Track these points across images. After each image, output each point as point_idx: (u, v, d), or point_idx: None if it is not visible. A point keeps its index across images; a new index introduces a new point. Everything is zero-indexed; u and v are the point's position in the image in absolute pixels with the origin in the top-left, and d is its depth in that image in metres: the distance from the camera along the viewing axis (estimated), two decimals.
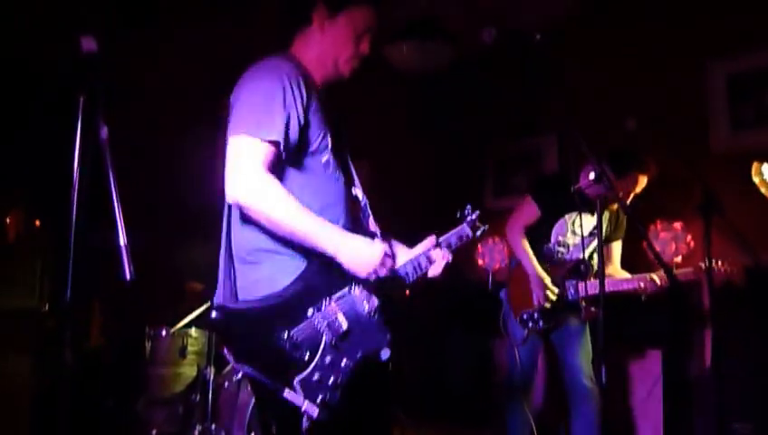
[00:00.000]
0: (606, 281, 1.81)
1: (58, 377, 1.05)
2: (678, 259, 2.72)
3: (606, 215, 2.27)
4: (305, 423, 1.06)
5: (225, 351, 1.10)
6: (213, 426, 2.14)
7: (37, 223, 2.24)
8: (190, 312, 2.40)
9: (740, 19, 2.75)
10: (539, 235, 2.27)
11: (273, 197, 1.11)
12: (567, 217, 2.25)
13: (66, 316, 1.06)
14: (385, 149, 3.97)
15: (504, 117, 3.85)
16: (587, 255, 2.22)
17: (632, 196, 2.17)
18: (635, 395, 2.70)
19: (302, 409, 1.06)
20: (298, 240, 1.13)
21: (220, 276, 1.25)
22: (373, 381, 1.22)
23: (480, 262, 3.62)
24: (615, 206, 2.26)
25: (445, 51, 3.10)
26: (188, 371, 2.44)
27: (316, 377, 1.09)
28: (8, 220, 2.14)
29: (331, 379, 1.11)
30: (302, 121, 1.18)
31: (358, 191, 1.38)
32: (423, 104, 4.24)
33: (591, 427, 2.09)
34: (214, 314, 1.10)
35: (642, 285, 2.07)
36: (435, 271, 1.34)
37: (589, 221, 2.19)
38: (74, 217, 1.01)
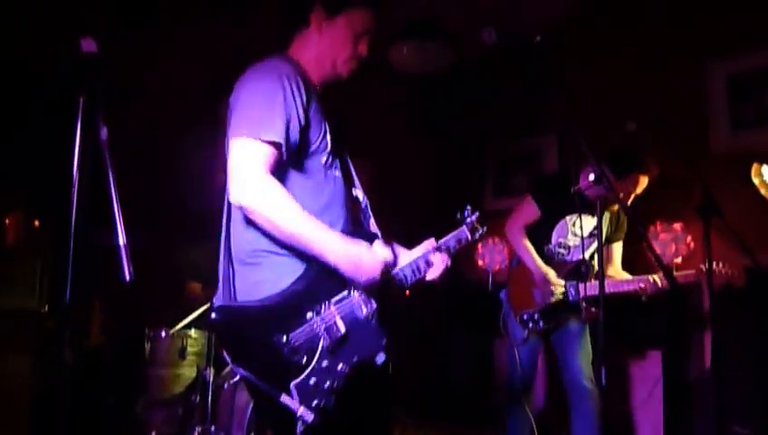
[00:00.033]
0: (606, 282, 1.82)
1: (57, 377, 1.05)
2: (678, 260, 2.72)
3: (606, 216, 2.27)
4: (300, 428, 1.06)
5: (224, 352, 1.10)
6: (212, 427, 2.14)
7: (37, 223, 2.23)
8: (190, 313, 2.39)
9: (740, 19, 2.75)
10: (539, 236, 2.27)
11: (275, 200, 1.10)
12: (567, 218, 2.25)
13: (66, 317, 1.06)
14: (385, 150, 3.97)
15: (504, 117, 3.85)
16: (587, 256, 2.22)
17: (633, 197, 2.17)
18: (635, 396, 2.70)
19: (298, 414, 1.05)
20: (298, 245, 1.13)
21: (220, 278, 1.25)
22: (369, 385, 1.21)
23: (480, 263, 3.62)
24: (615, 207, 2.25)
25: (445, 51, 3.11)
26: (188, 372, 2.44)
27: (312, 381, 1.09)
28: (8, 221, 2.14)
29: (327, 383, 1.11)
30: (302, 122, 1.18)
31: (358, 192, 1.37)
32: (423, 105, 4.24)
33: (591, 428, 2.09)
34: (213, 314, 1.10)
35: (643, 286, 2.07)
36: (433, 274, 1.34)
37: (589, 222, 2.19)
38: (74, 217, 1.01)
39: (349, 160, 1.38)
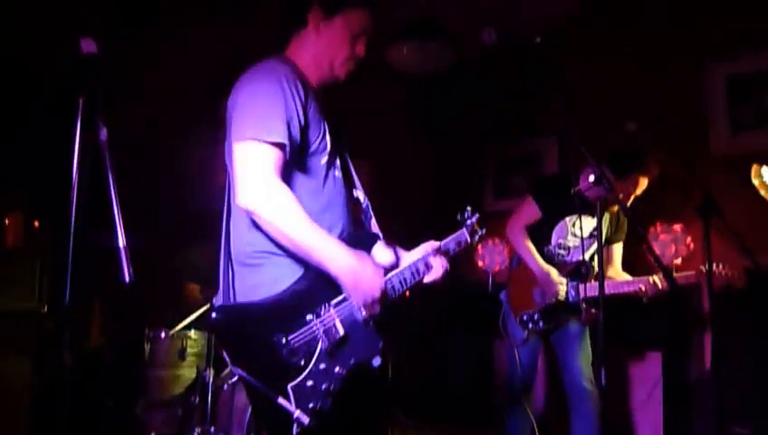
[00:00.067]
0: (606, 283, 1.81)
1: (57, 378, 1.05)
2: (678, 261, 2.72)
3: (606, 217, 2.27)
4: (296, 430, 1.06)
5: (223, 352, 1.10)
6: (212, 428, 2.14)
7: (36, 224, 2.23)
8: (189, 314, 2.39)
9: (740, 21, 2.75)
10: (539, 237, 2.27)
11: (281, 206, 1.11)
12: (567, 219, 2.25)
13: (65, 317, 1.06)
14: (385, 151, 3.97)
15: (504, 118, 3.85)
16: (587, 257, 2.21)
17: (632, 198, 2.17)
18: (634, 397, 2.69)
19: (294, 416, 1.05)
20: (300, 253, 1.13)
21: (219, 279, 1.25)
22: (366, 388, 1.22)
23: (480, 263, 3.62)
24: (615, 208, 2.25)
25: (445, 51, 3.10)
26: (187, 373, 2.43)
27: (309, 384, 1.09)
28: (7, 221, 2.13)
29: (324, 386, 1.10)
30: (302, 123, 1.18)
31: (359, 193, 1.37)
32: (423, 105, 4.24)
33: (591, 429, 2.09)
34: (213, 314, 1.10)
35: (643, 287, 2.07)
36: (433, 277, 1.34)
37: (589, 223, 2.19)
38: (73, 218, 1.01)
39: (349, 161, 1.37)
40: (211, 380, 2.16)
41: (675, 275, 2.11)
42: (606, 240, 2.26)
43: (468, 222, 1.43)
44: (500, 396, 2.67)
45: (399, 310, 1.29)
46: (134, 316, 2.60)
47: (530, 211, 2.26)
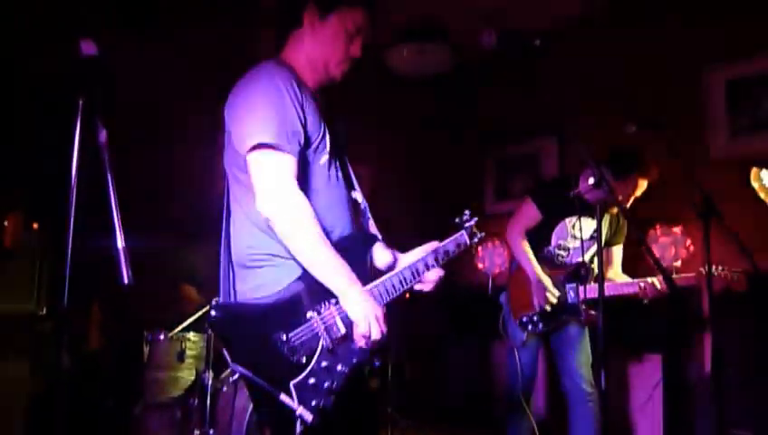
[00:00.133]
0: (606, 285, 1.81)
1: (55, 381, 1.05)
2: (678, 264, 2.72)
3: (606, 218, 2.27)
4: (299, 428, 1.05)
5: (223, 350, 1.10)
6: (211, 430, 2.13)
7: (35, 225, 2.23)
8: (187, 316, 2.39)
9: (739, 25, 2.77)
10: (539, 238, 2.27)
11: (301, 221, 1.11)
12: (567, 220, 2.25)
13: (64, 319, 1.05)
14: (385, 152, 3.97)
15: (504, 120, 3.86)
16: (587, 258, 2.21)
17: (632, 199, 2.17)
18: (635, 399, 2.69)
19: (297, 413, 1.05)
20: (312, 271, 1.13)
21: (220, 280, 1.25)
22: (367, 387, 1.21)
23: (480, 266, 3.62)
24: (615, 209, 2.25)
25: (444, 54, 3.11)
26: (187, 375, 2.43)
27: (311, 381, 1.09)
28: (6, 223, 2.13)
29: (326, 384, 1.10)
30: (303, 125, 1.18)
31: (357, 195, 1.37)
32: (423, 107, 4.25)
33: (591, 431, 2.09)
34: (213, 312, 1.09)
35: (643, 286, 2.07)
36: (426, 287, 1.33)
37: (589, 225, 2.19)
38: (72, 219, 1.01)
39: (348, 163, 1.37)
40: (210, 382, 2.15)
41: (674, 276, 2.11)
42: (606, 242, 2.26)
43: (467, 225, 1.43)
44: (501, 398, 2.66)
45: (400, 312, 1.28)
46: (133, 318, 2.60)
47: (529, 213, 2.26)
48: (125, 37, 2.86)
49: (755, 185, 2.13)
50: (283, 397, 1.05)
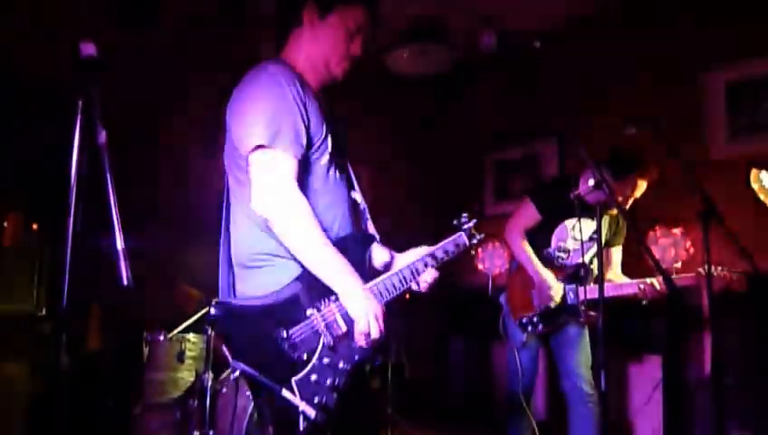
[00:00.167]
0: (606, 285, 1.81)
1: (54, 381, 1.05)
2: (678, 265, 2.72)
3: (605, 220, 2.26)
4: (302, 424, 1.05)
5: (224, 348, 1.10)
6: (210, 432, 2.13)
7: (35, 226, 2.23)
8: (186, 316, 2.38)
9: (738, 27, 2.77)
10: (539, 240, 2.26)
11: (299, 220, 1.11)
12: (567, 222, 2.25)
13: (63, 320, 1.05)
14: (385, 154, 3.97)
15: (504, 120, 3.86)
16: (587, 259, 2.21)
17: (631, 200, 2.17)
18: (634, 401, 2.69)
19: (300, 409, 1.05)
20: (311, 268, 1.13)
21: (220, 281, 1.25)
22: (367, 385, 1.21)
23: (480, 266, 3.62)
24: (614, 211, 2.25)
25: (445, 54, 3.11)
26: (186, 376, 2.43)
27: (313, 378, 1.09)
28: (6, 223, 2.13)
29: (328, 381, 1.10)
30: (306, 125, 1.18)
31: (357, 195, 1.37)
32: (423, 109, 4.25)
33: (591, 432, 2.09)
34: (213, 310, 1.09)
35: (642, 288, 2.07)
36: (422, 286, 1.33)
37: (588, 226, 2.19)
38: (72, 220, 1.00)
39: (348, 163, 1.37)
40: (210, 383, 2.15)
41: (674, 277, 2.10)
42: (605, 243, 2.26)
43: (465, 226, 1.43)
44: (501, 400, 2.66)
45: (398, 313, 1.28)
46: (133, 319, 2.60)
47: (528, 213, 2.25)
48: (125, 37, 2.86)
49: (755, 186, 2.13)
50: (286, 393, 1.05)
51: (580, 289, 2.11)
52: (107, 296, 2.69)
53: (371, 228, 1.37)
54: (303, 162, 1.20)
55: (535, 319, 2.20)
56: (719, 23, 2.84)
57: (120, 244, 0.96)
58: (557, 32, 3.41)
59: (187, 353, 2.43)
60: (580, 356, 2.16)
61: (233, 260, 1.23)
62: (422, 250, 1.33)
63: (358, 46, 1.30)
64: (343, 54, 1.29)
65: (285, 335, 1.09)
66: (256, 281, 1.18)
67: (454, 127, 4.22)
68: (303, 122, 1.17)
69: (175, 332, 2.38)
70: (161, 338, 2.42)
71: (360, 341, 1.13)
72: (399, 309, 1.30)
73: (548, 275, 2.16)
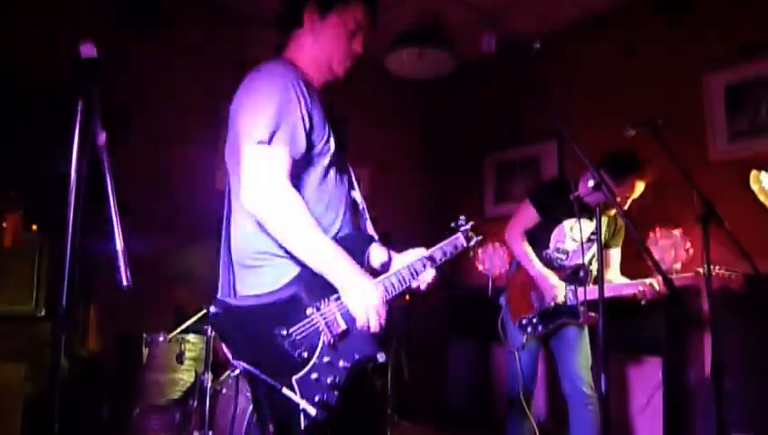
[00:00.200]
0: (605, 286, 1.80)
1: (53, 383, 1.04)
2: (678, 267, 2.72)
3: (604, 220, 2.27)
4: (303, 422, 1.05)
5: (224, 347, 1.10)
6: (210, 433, 2.12)
7: (34, 227, 2.22)
8: (186, 317, 2.38)
9: (738, 29, 2.78)
10: (538, 241, 2.27)
11: (290, 212, 1.11)
12: (565, 223, 2.25)
13: (62, 321, 1.05)
14: (385, 155, 3.97)
15: (504, 123, 3.86)
16: (586, 260, 2.22)
17: (629, 201, 2.17)
18: (634, 403, 2.69)
19: (300, 407, 1.05)
20: (306, 260, 1.13)
21: (220, 280, 1.25)
22: (369, 384, 1.22)
23: (480, 267, 3.62)
24: (613, 211, 2.26)
25: (445, 57, 3.11)
26: (186, 377, 2.42)
27: (314, 376, 1.09)
28: (5, 224, 2.13)
29: (329, 379, 1.11)
30: (307, 125, 1.18)
31: (357, 195, 1.38)
32: (423, 110, 4.25)
33: (591, 434, 2.08)
34: (213, 308, 1.09)
35: (642, 289, 2.07)
36: (422, 285, 1.33)
37: (587, 227, 2.19)
38: (71, 221, 1.00)
39: (348, 163, 1.38)
40: (209, 384, 2.14)
41: (672, 277, 2.11)
42: (604, 244, 2.26)
43: (463, 229, 1.44)
44: (501, 404, 2.66)
45: (398, 313, 1.29)
46: (132, 320, 2.59)
47: (527, 215, 2.26)
48: (125, 37, 2.87)
49: (755, 187, 2.13)
50: (286, 391, 1.05)
51: (580, 290, 2.12)
52: (106, 297, 2.69)
53: (370, 228, 1.38)
54: (305, 162, 1.20)
55: (535, 320, 2.20)
56: (719, 24, 2.85)
57: (119, 245, 0.96)
58: (557, 32, 3.41)
59: (187, 354, 2.42)
60: (580, 358, 2.16)
61: (233, 258, 1.23)
62: (420, 251, 1.34)
63: (359, 44, 1.31)
64: (345, 53, 1.30)
65: (286, 334, 1.09)
66: (256, 280, 1.18)
67: (454, 127, 4.22)
68: (305, 123, 1.17)
69: (174, 333, 2.38)
70: (161, 339, 2.41)
71: (364, 324, 1.14)
72: (399, 310, 1.30)
73: (550, 274, 2.16)
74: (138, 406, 2.30)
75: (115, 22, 2.85)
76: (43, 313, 2.19)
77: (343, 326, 1.15)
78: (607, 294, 1.99)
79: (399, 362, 2.85)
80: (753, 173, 2.15)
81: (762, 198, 2.09)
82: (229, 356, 1.08)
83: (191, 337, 2.45)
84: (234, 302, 1.15)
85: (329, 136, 1.24)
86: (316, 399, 1.08)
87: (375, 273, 1.27)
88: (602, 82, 3.30)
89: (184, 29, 3.17)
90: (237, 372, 1.08)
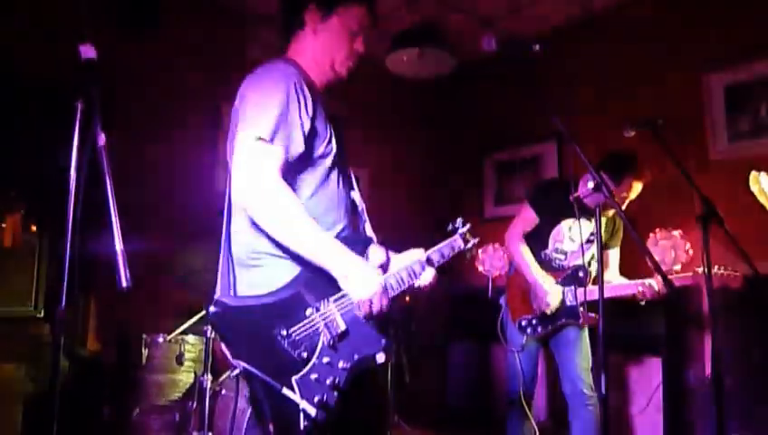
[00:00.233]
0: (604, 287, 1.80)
1: (52, 383, 1.04)
2: (678, 268, 2.72)
3: (602, 221, 2.27)
4: (303, 423, 1.05)
5: (224, 347, 1.10)
6: (209, 434, 2.12)
7: (33, 228, 2.22)
8: (186, 318, 2.38)
9: (738, 30, 2.77)
10: (537, 242, 2.27)
11: (280, 203, 1.11)
12: (564, 223, 2.25)
13: (61, 322, 1.05)
14: (385, 155, 3.97)
15: (504, 122, 3.86)
16: (585, 261, 2.21)
17: (627, 202, 2.17)
18: (635, 403, 2.69)
19: (300, 407, 1.05)
20: (299, 251, 1.13)
21: (219, 278, 1.25)
22: (370, 384, 1.22)
23: (480, 268, 3.62)
24: (611, 212, 2.26)
25: (445, 57, 3.11)
26: (185, 378, 2.42)
27: (314, 377, 1.09)
28: (4, 224, 2.12)
29: (329, 379, 1.11)
30: (308, 126, 1.18)
31: (356, 196, 1.38)
32: (423, 110, 4.25)
33: (592, 434, 2.08)
34: (213, 308, 1.09)
35: (641, 289, 2.07)
36: (422, 283, 1.33)
37: (586, 228, 2.19)
38: (71, 222, 1.00)
39: (348, 164, 1.38)
40: (209, 385, 2.14)
41: (671, 277, 2.11)
42: (602, 245, 2.26)
43: (460, 231, 1.44)
44: (501, 404, 2.66)
45: (398, 315, 1.29)
46: (132, 321, 2.59)
47: (527, 217, 2.27)
48: (125, 37, 2.86)
49: (754, 188, 2.12)
50: (286, 391, 1.05)
51: (580, 291, 2.11)
52: (105, 298, 2.69)
53: (369, 230, 1.38)
54: (306, 163, 1.21)
55: (534, 321, 2.20)
56: (719, 24, 2.84)
57: (119, 245, 0.96)
58: (558, 33, 3.41)
59: (186, 355, 2.42)
60: (580, 359, 2.16)
61: (233, 257, 1.23)
62: (418, 252, 1.34)
63: (361, 44, 1.32)
64: (348, 54, 1.30)
65: (286, 334, 1.09)
66: (256, 279, 1.18)
67: (454, 127, 4.22)
68: (304, 124, 1.17)
69: (174, 333, 2.37)
70: (160, 340, 2.41)
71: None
72: (400, 311, 1.30)
73: (546, 280, 2.16)
74: (137, 406, 2.30)
75: (115, 22, 2.84)
76: (42, 313, 2.19)
77: (343, 327, 1.15)
78: (606, 294, 1.99)
79: (400, 363, 2.85)
80: (753, 174, 2.15)
81: (761, 199, 2.09)
82: (229, 356, 1.08)
83: (191, 338, 2.45)
84: (233, 302, 1.15)
85: (330, 137, 1.24)
86: (316, 399, 1.08)
87: None
88: (602, 82, 3.30)
89: (184, 29, 3.17)
90: (237, 372, 1.08)
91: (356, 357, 1.15)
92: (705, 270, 1.77)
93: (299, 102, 1.16)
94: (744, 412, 2.28)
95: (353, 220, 1.32)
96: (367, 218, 1.38)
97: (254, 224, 1.16)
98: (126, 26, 2.88)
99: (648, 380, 2.65)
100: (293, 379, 1.07)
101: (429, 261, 1.34)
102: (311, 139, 1.19)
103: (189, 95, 3.16)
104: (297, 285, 1.15)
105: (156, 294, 2.52)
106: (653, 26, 3.11)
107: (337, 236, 1.23)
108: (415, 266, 1.30)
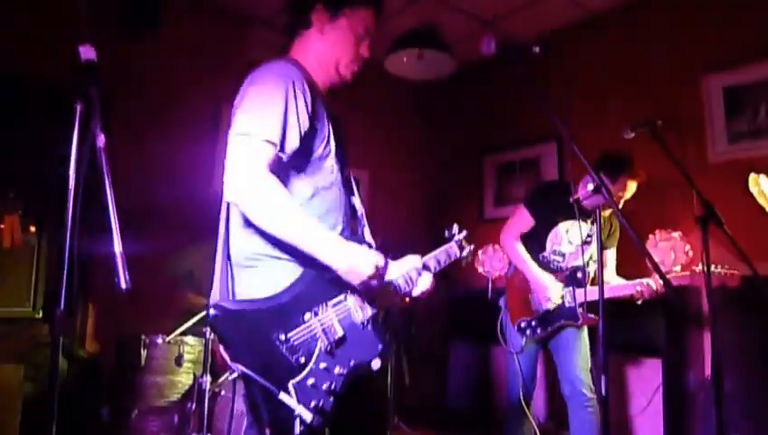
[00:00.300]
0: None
1: (51, 384, 1.04)
2: (677, 269, 2.72)
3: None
4: (298, 428, 1.05)
5: (222, 350, 1.10)
6: None
7: (32, 228, 2.22)
8: (185, 319, 2.38)
9: (737, 32, 2.78)
10: (534, 244, 2.27)
11: (271, 197, 1.10)
12: (561, 225, 2.26)
13: (60, 323, 1.05)
14: (385, 156, 3.97)
15: (504, 124, 3.86)
16: (582, 261, 2.22)
17: (622, 201, 2.18)
18: (635, 404, 2.69)
19: (296, 412, 1.05)
20: (291, 242, 1.13)
21: (216, 280, 1.24)
22: (367, 390, 1.22)
23: (480, 270, 3.62)
24: (607, 212, 2.27)
25: (444, 58, 3.11)
26: (184, 379, 2.42)
27: (310, 382, 1.09)
28: (3, 225, 2.12)
29: (326, 385, 1.11)
30: (307, 127, 1.18)
31: (356, 200, 1.37)
32: (423, 113, 4.25)
33: None
34: (212, 311, 1.09)
35: (639, 289, 2.07)
36: (417, 292, 1.33)
37: (584, 229, 2.20)
38: (69, 223, 1.00)
39: (348, 168, 1.37)
40: (208, 386, 2.14)
41: (669, 276, 2.11)
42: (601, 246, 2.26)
43: (456, 238, 1.44)
44: (501, 406, 2.66)
45: (399, 317, 1.29)
46: (131, 322, 2.59)
47: (522, 219, 2.28)
48: (125, 37, 2.86)
49: (754, 190, 2.13)
50: (283, 396, 1.05)
51: (578, 292, 2.12)
52: (104, 299, 2.69)
53: (368, 235, 1.37)
54: (306, 166, 1.20)
55: (533, 323, 2.20)
56: (719, 24, 2.85)
57: (118, 247, 0.95)
58: (558, 34, 3.41)
59: (185, 356, 2.42)
60: (580, 360, 2.16)
61: (231, 258, 1.23)
62: (415, 259, 1.33)
63: (366, 48, 1.32)
64: (353, 57, 1.30)
65: (284, 338, 1.09)
66: (254, 280, 1.18)
67: (454, 128, 4.22)
68: (301, 125, 1.16)
69: (173, 335, 2.37)
70: (159, 341, 2.41)
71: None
72: (400, 314, 1.30)
73: (544, 276, 2.16)
74: (136, 408, 2.30)
75: (115, 22, 2.84)
76: (41, 314, 2.19)
77: (340, 333, 1.15)
78: (605, 295, 1.99)
79: (400, 366, 2.85)
80: (753, 177, 2.15)
81: (760, 201, 2.09)
82: (227, 359, 1.08)
83: (190, 339, 2.45)
84: (233, 305, 1.15)
85: (329, 139, 1.24)
86: (312, 404, 1.08)
87: None
88: (602, 82, 3.30)
89: (184, 29, 3.17)
90: (235, 374, 1.07)
91: (352, 363, 1.15)
92: (705, 271, 1.77)
93: (297, 102, 1.16)
94: (743, 413, 2.28)
95: (352, 224, 1.32)
96: (366, 223, 1.38)
97: (251, 225, 1.16)
98: (126, 26, 2.88)
99: (647, 381, 2.65)
100: (290, 383, 1.07)
101: (426, 268, 1.34)
102: (310, 138, 1.19)
103: (189, 95, 3.16)
104: (296, 289, 1.15)
105: (155, 295, 2.52)
106: (652, 28, 3.11)
107: None
108: (411, 274, 1.30)
